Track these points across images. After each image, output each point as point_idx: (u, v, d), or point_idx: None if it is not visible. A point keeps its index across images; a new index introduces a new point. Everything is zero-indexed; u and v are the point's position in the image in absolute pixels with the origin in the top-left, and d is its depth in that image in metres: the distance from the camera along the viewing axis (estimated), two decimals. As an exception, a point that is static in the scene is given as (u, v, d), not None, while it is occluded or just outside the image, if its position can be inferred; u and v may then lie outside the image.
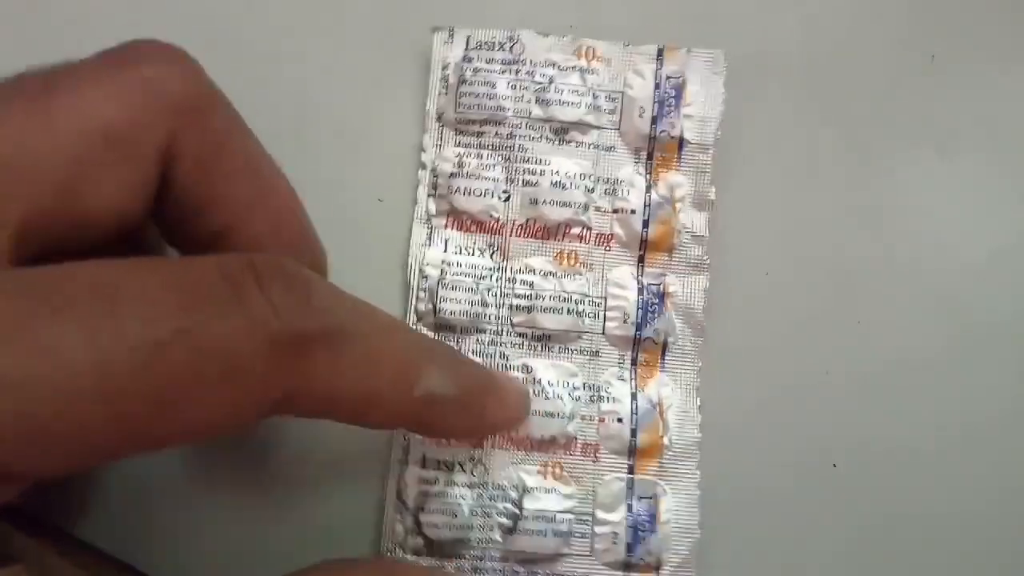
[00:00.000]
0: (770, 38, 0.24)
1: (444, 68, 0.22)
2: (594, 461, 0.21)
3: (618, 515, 0.21)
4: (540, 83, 0.22)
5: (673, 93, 0.22)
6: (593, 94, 0.22)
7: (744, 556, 0.22)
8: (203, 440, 0.17)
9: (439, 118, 0.22)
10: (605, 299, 0.22)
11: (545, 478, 0.21)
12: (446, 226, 0.22)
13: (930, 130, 0.23)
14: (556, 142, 0.22)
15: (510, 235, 0.22)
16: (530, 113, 0.22)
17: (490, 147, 0.22)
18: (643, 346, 0.22)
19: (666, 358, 0.22)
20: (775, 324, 0.23)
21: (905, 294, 0.23)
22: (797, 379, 0.22)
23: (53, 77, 0.15)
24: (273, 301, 0.14)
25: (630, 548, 0.21)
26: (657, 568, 0.21)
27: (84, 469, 0.18)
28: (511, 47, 0.22)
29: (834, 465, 0.22)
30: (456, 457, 0.21)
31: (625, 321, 0.22)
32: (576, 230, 0.22)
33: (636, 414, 0.21)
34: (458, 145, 0.22)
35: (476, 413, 0.19)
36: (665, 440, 0.21)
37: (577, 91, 0.22)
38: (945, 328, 0.22)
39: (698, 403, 0.22)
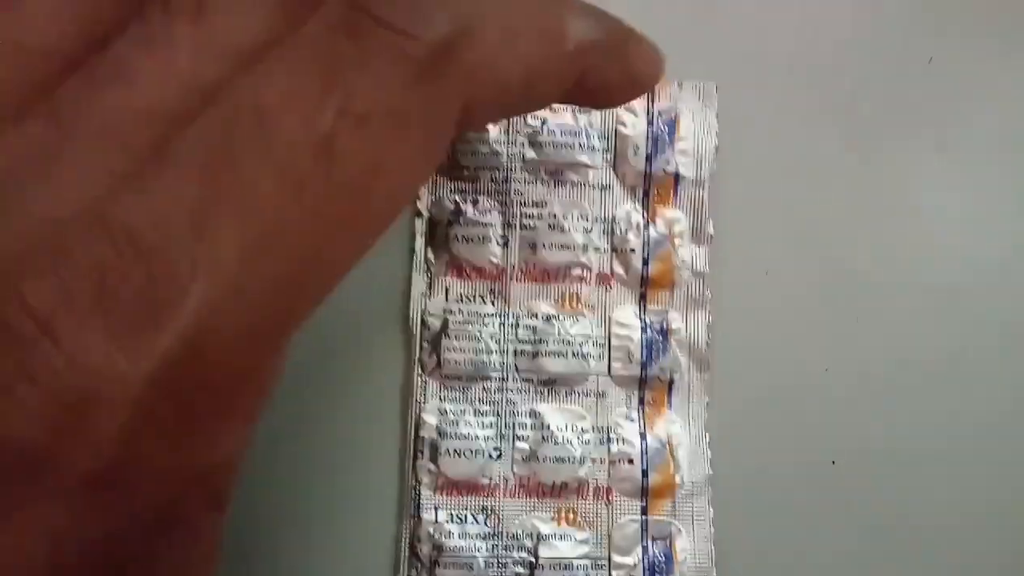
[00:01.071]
0: (768, 39, 0.23)
1: (436, 116, 0.22)
2: (607, 504, 0.21)
3: (634, 558, 0.21)
4: (532, 126, 0.22)
5: (666, 129, 0.22)
6: (586, 134, 0.22)
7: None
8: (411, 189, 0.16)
9: (433, 166, 0.22)
10: (609, 339, 0.22)
11: (559, 524, 0.21)
12: (446, 274, 0.22)
13: (929, 131, 0.23)
14: (551, 183, 0.22)
15: (511, 280, 0.22)
16: (524, 156, 0.22)
17: (486, 192, 0.22)
18: (650, 385, 0.22)
19: (673, 396, 0.22)
20: (775, 327, 0.22)
21: (904, 294, 0.22)
22: (797, 379, 0.22)
23: None
24: (395, 26, 0.12)
25: (648, 591, 0.20)
26: (676, 610, 0.21)
27: None
28: (502, 92, 0.22)
29: (833, 462, 0.22)
30: (468, 508, 0.21)
31: (630, 361, 0.22)
32: (576, 271, 0.22)
33: (647, 454, 0.21)
34: (454, 192, 0.22)
35: (622, 60, 0.17)
36: (677, 479, 0.21)
37: (570, 131, 0.22)
38: (945, 325, 0.22)
39: (707, 439, 0.22)
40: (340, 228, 0.12)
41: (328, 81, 0.12)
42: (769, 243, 0.23)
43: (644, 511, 0.21)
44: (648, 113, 0.22)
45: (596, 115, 0.22)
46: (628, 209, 0.22)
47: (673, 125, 0.22)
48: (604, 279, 0.22)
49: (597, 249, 0.22)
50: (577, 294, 0.22)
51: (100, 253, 0.10)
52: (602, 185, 0.22)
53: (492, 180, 0.22)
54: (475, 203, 0.22)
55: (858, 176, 0.23)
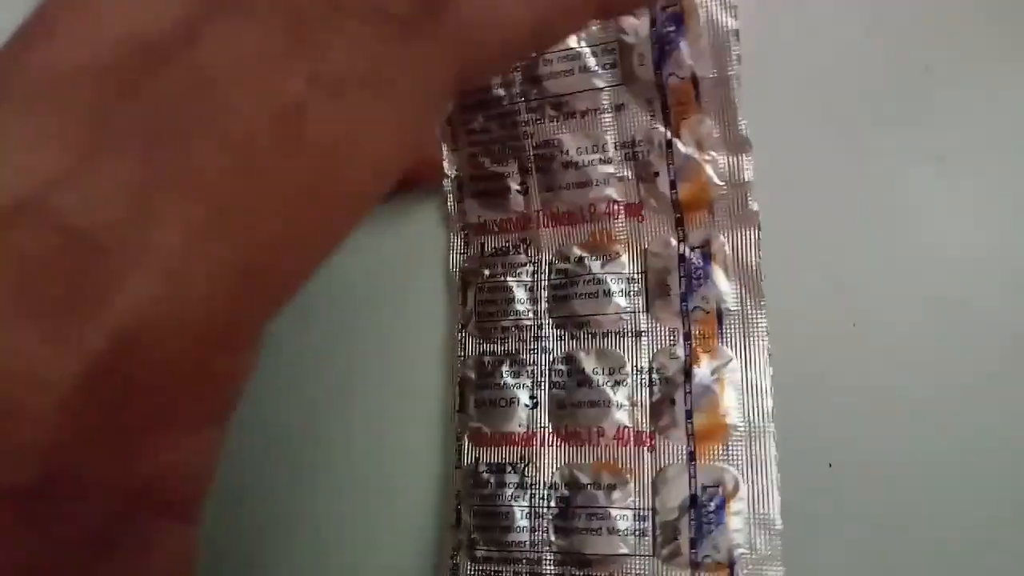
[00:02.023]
0: (769, 43, 0.20)
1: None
2: (651, 451, 0.20)
3: (679, 508, 0.19)
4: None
5: (672, 27, 0.19)
6: (589, 53, 0.20)
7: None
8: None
9: (449, 122, 0.22)
10: (645, 274, 0.20)
11: (598, 473, 0.20)
12: (477, 230, 0.22)
13: (925, 137, 0.21)
14: (560, 117, 0.21)
15: (539, 227, 0.21)
16: (525, 95, 0.21)
17: (499, 142, 0.21)
18: (693, 317, 0.20)
19: (723, 327, 0.19)
20: (772, 326, 0.19)
21: (901, 297, 0.20)
22: (794, 379, 0.19)
23: None
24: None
25: (694, 544, 0.19)
26: (730, 566, 0.19)
27: None
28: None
29: (830, 465, 0.19)
30: (504, 458, 0.21)
31: (668, 294, 0.20)
32: (603, 207, 0.20)
33: (691, 394, 0.19)
34: (471, 145, 0.22)
35: None
36: (729, 420, 0.19)
37: (568, 56, 0.20)
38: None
39: (771, 373, 0.19)
40: (311, 208, 0.11)
41: (294, 43, 0.10)
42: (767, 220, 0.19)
43: (692, 456, 0.19)
44: (652, 10, 0.19)
45: (593, 29, 0.20)
46: (647, 128, 0.20)
47: (679, 19, 0.19)
48: (634, 210, 0.20)
49: (621, 179, 0.20)
50: (607, 231, 0.21)
51: (23, 242, 0.09)
52: (615, 106, 0.20)
53: (501, 127, 0.21)
54: (490, 154, 0.21)
55: (854, 175, 0.21)
